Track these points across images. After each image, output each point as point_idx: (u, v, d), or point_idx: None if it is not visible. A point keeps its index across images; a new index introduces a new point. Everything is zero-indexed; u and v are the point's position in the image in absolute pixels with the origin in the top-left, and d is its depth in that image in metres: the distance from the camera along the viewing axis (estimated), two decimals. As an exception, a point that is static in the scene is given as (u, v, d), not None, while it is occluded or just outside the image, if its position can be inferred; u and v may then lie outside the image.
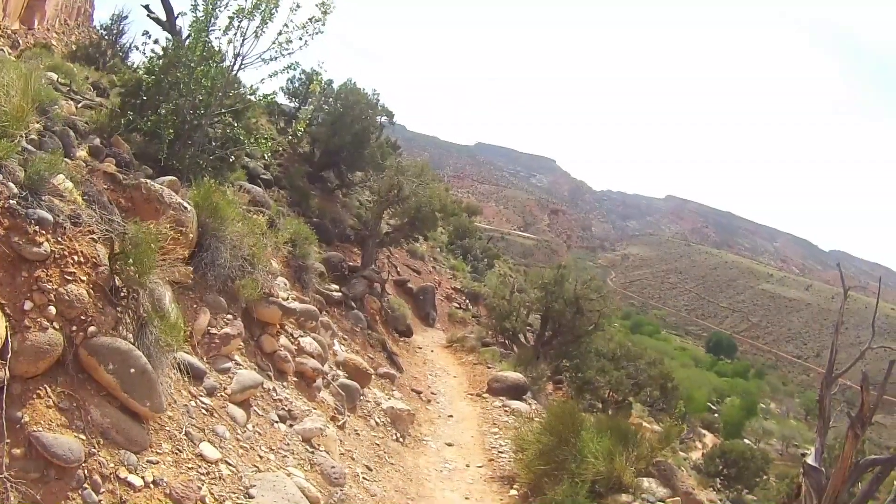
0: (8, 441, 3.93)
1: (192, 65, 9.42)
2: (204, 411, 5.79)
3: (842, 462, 7.88)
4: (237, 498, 5.04)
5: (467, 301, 25.93)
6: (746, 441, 36.75)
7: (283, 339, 7.71)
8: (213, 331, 6.71)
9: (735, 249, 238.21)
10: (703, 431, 36.39)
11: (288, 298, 8.60)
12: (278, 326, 7.80)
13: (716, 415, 48.65)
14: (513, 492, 8.98)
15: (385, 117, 20.67)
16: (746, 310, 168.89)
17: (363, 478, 6.94)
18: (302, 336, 8.32)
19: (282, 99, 21.12)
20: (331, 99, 19.59)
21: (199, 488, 4.86)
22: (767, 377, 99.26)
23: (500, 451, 10.61)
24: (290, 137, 18.45)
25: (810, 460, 9.21)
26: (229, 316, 6.96)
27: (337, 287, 14.15)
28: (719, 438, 34.92)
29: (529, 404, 13.84)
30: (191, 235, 6.54)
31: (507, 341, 19.90)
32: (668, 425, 15.43)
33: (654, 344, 70.03)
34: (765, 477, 25.61)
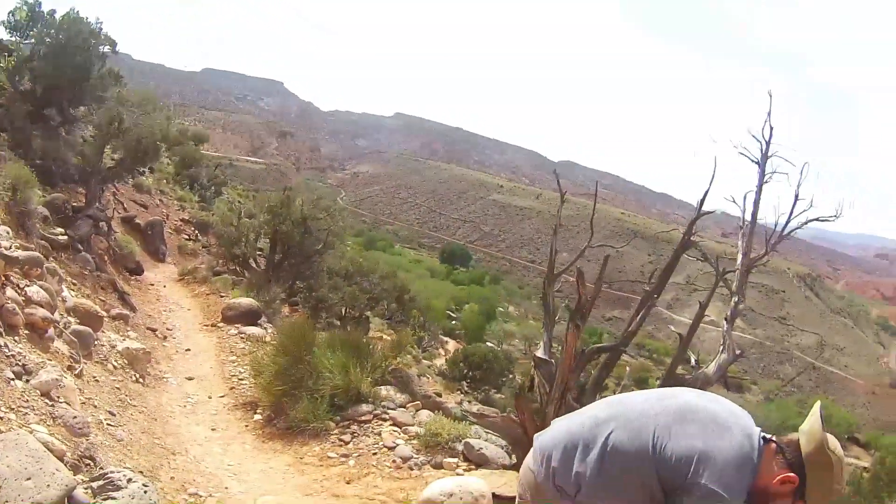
0: None
1: None
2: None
3: (566, 352, 8.52)
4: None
5: (197, 231, 25.44)
6: (489, 344, 38.31)
7: (9, 291, 7.48)
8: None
9: (465, 163, 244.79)
10: (446, 339, 37.23)
11: (11, 247, 8.35)
12: (3, 278, 7.57)
13: (455, 322, 50.36)
14: (257, 416, 9.11)
15: (108, 47, 19.79)
16: (478, 220, 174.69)
17: (107, 424, 6.88)
18: (28, 285, 8.09)
19: (2, 33, 19.82)
20: (52, 30, 18.58)
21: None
22: (503, 282, 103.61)
23: (240, 379, 10.68)
24: (6, 75, 17.41)
25: (539, 353, 9.89)
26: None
27: (62, 230, 13.69)
28: (462, 344, 35.88)
29: (265, 328, 13.90)
30: None
31: (238, 268, 19.71)
32: (400, 333, 16.05)
33: (389, 258, 71.23)
34: (510, 376, 26.52)
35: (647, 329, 76.49)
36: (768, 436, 2.64)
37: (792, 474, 2.54)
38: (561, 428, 2.85)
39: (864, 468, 18.56)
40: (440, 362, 27.50)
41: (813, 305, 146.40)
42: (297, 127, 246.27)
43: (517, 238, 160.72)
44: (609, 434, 2.64)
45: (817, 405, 2.66)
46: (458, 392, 22.90)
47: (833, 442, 2.57)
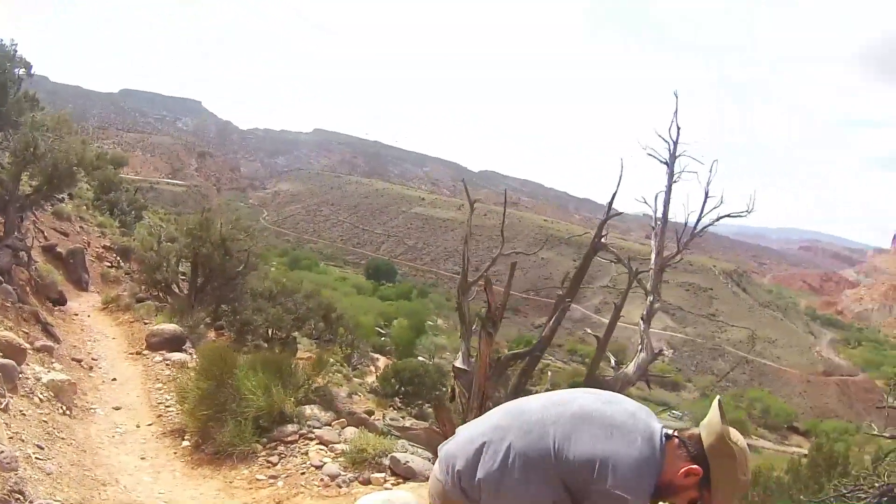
0: None
1: None
2: None
3: (481, 360, 8.70)
4: None
5: (119, 258, 25.13)
6: (420, 358, 38.31)
7: (-73, 328, 7.46)
8: None
9: (385, 177, 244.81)
10: (376, 356, 37.05)
11: (-73, 283, 8.28)
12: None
13: (385, 338, 50.30)
14: (185, 443, 9.08)
15: (23, 70, 19.46)
16: (401, 234, 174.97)
17: (36, 457, 6.83)
18: (-53, 321, 8.05)
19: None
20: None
21: None
22: (431, 295, 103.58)
23: (167, 406, 10.62)
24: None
25: (458, 363, 10.08)
26: None
27: (-20, 261, 13.55)
28: (392, 360, 35.75)
29: (190, 354, 13.87)
30: None
31: (160, 294, 19.56)
32: (321, 352, 16.10)
33: (314, 277, 70.83)
34: (443, 388, 26.52)
35: (578, 334, 77.25)
36: (670, 431, 2.73)
37: (695, 466, 2.61)
38: (464, 436, 2.89)
39: (804, 455, 19.01)
40: (371, 379, 27.48)
41: (741, 300, 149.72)
42: (216, 147, 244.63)
43: (442, 250, 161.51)
44: (510, 442, 2.68)
45: (716, 400, 2.75)
46: (391, 408, 22.93)
47: (734, 434, 2.66)
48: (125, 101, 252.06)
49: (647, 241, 12.22)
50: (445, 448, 2.93)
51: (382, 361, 35.14)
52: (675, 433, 2.75)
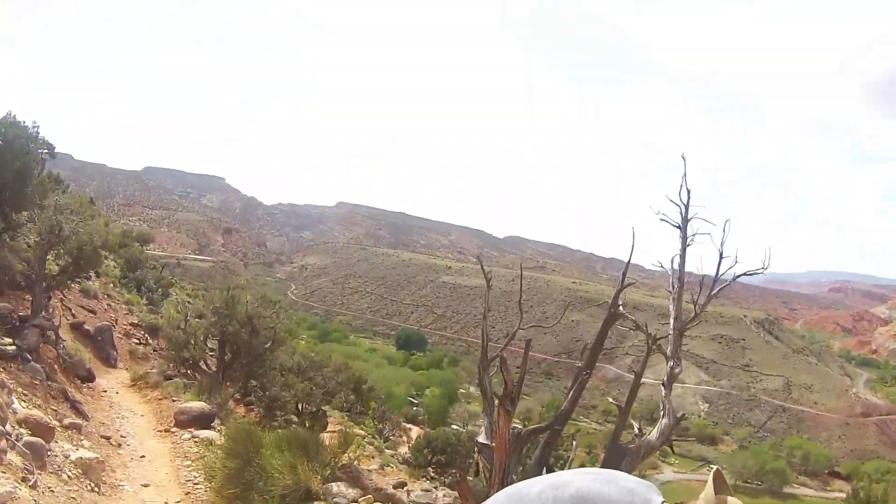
0: None
1: None
2: None
3: (499, 437, 8.60)
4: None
5: (146, 335, 25.22)
6: (454, 426, 38.01)
7: (-44, 407, 7.41)
8: None
9: (411, 247, 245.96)
10: (409, 426, 36.90)
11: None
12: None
13: (417, 408, 50.10)
14: (213, 521, 9.10)
15: (45, 150, 19.68)
16: (430, 303, 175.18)
17: None
18: (-24, 399, 8.02)
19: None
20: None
21: None
22: (462, 363, 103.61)
23: (195, 484, 10.60)
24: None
25: (481, 439, 9.98)
26: None
27: (10, 340, 13.56)
28: (425, 429, 35.44)
29: (219, 431, 13.85)
30: None
31: (188, 371, 19.56)
32: (345, 428, 15.93)
33: (344, 349, 70.88)
34: (475, 457, 26.26)
35: (614, 394, 76.84)
36: None
37: None
38: None
39: (844, 500, 18.70)
40: (404, 450, 27.22)
41: (774, 348, 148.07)
42: (241, 222, 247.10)
43: (471, 318, 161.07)
44: None
45: (713, 470, 2.73)
46: (424, 479, 22.61)
47: (733, 501, 2.63)
48: (149, 178, 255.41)
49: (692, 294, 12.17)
50: None
51: (415, 431, 34.80)
52: None
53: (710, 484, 2.69)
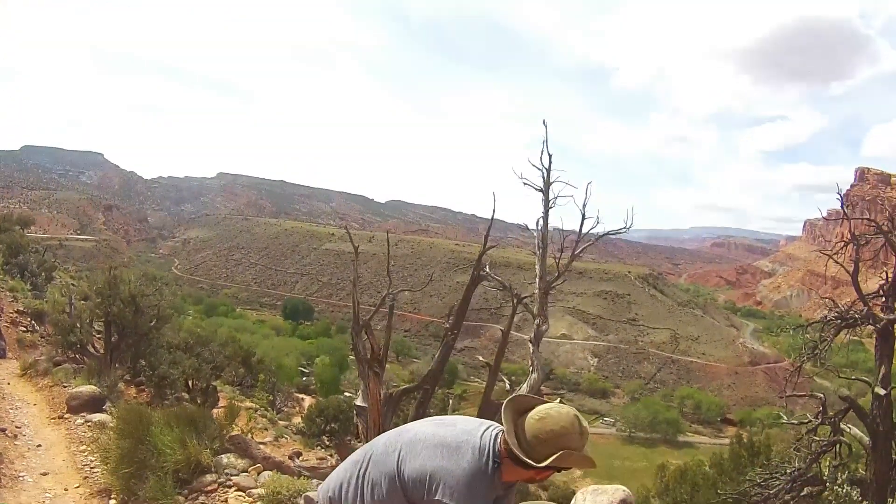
0: None
1: None
2: None
3: (371, 399, 8.96)
4: None
5: (34, 322, 24.77)
6: (346, 394, 38.13)
7: None
8: None
9: (293, 216, 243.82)
10: (301, 396, 36.80)
11: None
12: None
13: (308, 377, 50.04)
14: (112, 502, 9.12)
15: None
16: (315, 271, 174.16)
17: None
18: None
19: None
20: None
21: None
22: (350, 330, 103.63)
23: (91, 468, 10.58)
24: None
25: (358, 402, 10.33)
26: None
27: None
28: (318, 398, 35.44)
29: (111, 414, 13.82)
30: None
31: (77, 355, 19.31)
32: (231, 401, 16.09)
33: (232, 322, 70.26)
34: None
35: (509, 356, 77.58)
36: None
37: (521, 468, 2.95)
38: (333, 474, 3.36)
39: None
40: (298, 420, 27.31)
41: (660, 302, 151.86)
42: (121, 198, 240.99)
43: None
44: (364, 471, 3.15)
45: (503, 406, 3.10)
46: (319, 447, 22.82)
47: (539, 414, 2.96)
48: (27, 157, 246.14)
49: (556, 254, 12.53)
50: (321, 487, 3.42)
51: (308, 401, 34.82)
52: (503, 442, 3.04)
53: (500, 416, 3.10)
